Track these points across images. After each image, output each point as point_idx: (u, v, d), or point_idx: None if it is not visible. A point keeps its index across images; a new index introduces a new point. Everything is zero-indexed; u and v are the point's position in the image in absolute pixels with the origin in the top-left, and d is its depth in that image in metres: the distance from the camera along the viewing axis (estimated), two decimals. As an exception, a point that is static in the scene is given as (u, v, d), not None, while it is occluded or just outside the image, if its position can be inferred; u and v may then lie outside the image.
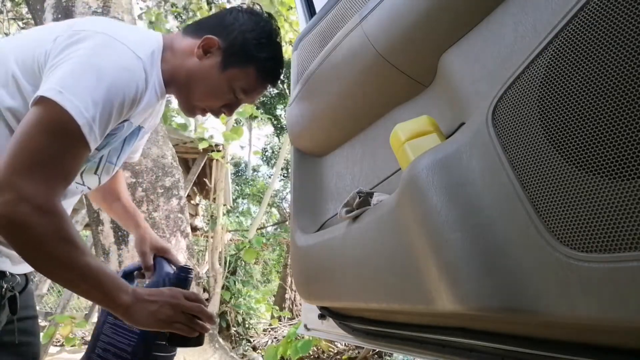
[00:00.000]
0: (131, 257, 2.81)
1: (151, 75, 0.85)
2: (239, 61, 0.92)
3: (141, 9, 6.22)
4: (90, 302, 6.98)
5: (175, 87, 0.93)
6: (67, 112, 0.70)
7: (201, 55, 0.91)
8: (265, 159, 13.03)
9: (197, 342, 0.87)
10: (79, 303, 7.53)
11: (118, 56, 0.79)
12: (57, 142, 0.72)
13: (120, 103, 0.77)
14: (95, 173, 0.97)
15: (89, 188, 0.97)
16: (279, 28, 0.98)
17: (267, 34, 0.93)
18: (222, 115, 0.99)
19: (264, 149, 13.08)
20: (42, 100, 0.71)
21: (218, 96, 0.93)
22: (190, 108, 0.96)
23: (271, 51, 0.94)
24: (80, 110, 0.71)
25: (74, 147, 0.73)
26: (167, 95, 0.99)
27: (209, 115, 1.00)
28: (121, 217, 1.17)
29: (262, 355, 4.35)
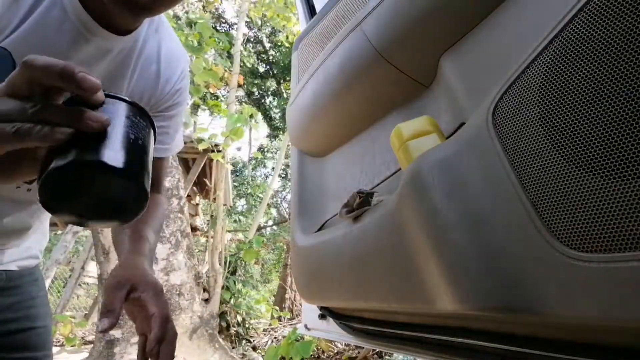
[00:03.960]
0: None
1: None
2: None
3: None
4: (90, 302, 6.93)
5: None
6: None
7: None
8: (261, 159, 13.07)
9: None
10: (79, 303, 7.53)
11: None
12: None
13: None
14: None
15: None
16: None
17: None
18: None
19: (260, 148, 13.12)
20: None
21: None
22: None
23: None
24: None
25: None
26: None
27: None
28: (120, 239, 0.78)
29: (262, 356, 4.35)
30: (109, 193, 0.39)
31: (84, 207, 0.40)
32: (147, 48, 0.74)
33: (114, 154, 0.37)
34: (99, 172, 0.37)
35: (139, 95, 0.76)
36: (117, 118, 0.40)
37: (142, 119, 0.43)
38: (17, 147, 0.37)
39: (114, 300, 0.64)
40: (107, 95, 0.40)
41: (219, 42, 4.69)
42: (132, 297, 0.67)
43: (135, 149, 0.40)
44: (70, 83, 0.37)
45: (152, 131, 0.45)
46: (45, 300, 0.88)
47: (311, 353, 3.98)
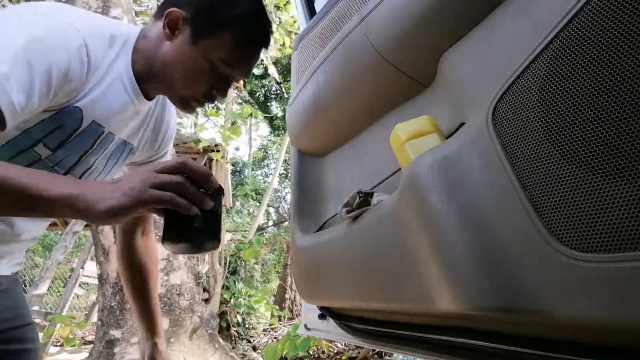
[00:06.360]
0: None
1: (104, 59, 0.74)
2: (209, 29, 0.77)
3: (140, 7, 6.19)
4: (90, 302, 6.93)
5: (157, 82, 0.81)
6: None
7: (169, 35, 0.78)
8: (260, 159, 13.07)
9: (201, 236, 0.65)
10: (79, 303, 7.52)
11: (49, 21, 0.66)
12: None
13: (45, 68, 0.63)
14: None
15: None
16: None
17: None
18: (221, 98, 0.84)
19: (260, 148, 13.12)
20: None
21: (200, 78, 0.79)
22: (180, 100, 0.82)
23: (246, 6, 0.78)
24: None
25: None
26: (156, 103, 0.90)
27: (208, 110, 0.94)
28: (140, 309, 1.06)
29: (262, 355, 4.35)
30: (201, 242, 0.67)
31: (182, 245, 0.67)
32: (157, 110, 0.96)
33: (211, 233, 0.65)
34: (204, 237, 0.65)
35: (144, 143, 0.97)
36: (216, 200, 0.66)
37: (220, 196, 0.68)
38: (154, 208, 0.61)
39: None
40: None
41: None
42: None
43: (220, 218, 0.67)
44: (208, 184, 0.63)
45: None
46: (25, 300, 1.01)
47: (311, 353, 3.98)
